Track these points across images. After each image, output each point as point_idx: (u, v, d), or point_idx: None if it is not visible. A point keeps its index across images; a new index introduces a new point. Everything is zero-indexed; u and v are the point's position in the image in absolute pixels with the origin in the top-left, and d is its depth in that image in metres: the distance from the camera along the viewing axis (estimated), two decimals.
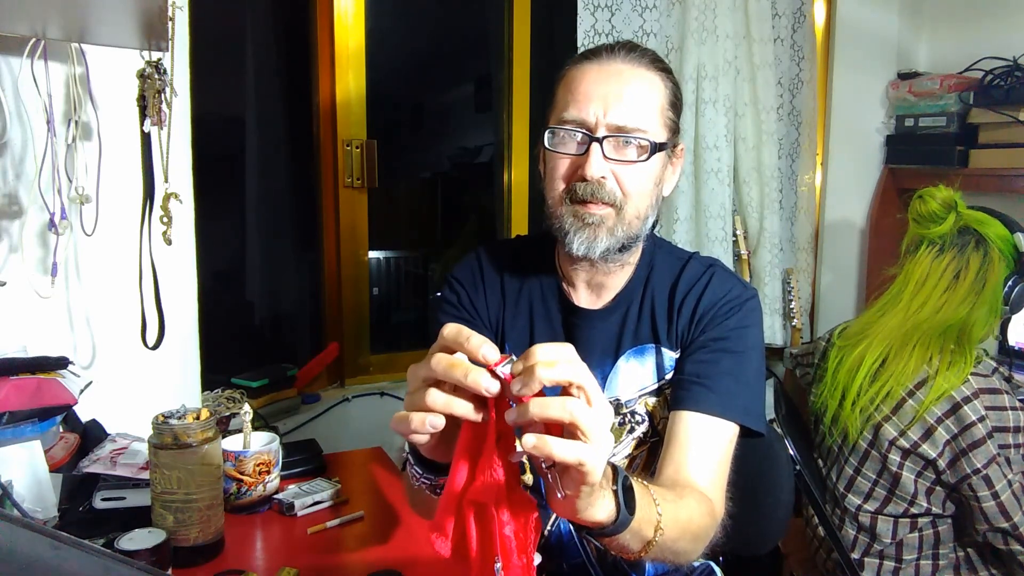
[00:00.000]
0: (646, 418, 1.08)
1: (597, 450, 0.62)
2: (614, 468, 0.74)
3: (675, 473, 0.97)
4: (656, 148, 0.99)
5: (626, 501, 0.73)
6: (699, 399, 1.01)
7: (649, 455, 1.09)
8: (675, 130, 1.05)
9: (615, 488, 0.72)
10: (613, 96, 0.98)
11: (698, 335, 1.06)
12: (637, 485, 0.77)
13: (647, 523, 0.78)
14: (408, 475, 0.83)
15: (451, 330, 0.65)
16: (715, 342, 1.05)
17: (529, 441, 0.61)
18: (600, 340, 1.09)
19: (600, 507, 0.70)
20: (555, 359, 0.62)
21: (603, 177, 0.98)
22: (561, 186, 1.01)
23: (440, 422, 0.64)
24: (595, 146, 0.97)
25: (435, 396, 0.64)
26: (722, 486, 0.99)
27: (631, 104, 0.98)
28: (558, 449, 0.60)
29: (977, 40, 2.26)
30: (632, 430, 1.08)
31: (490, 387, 0.62)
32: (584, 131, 0.98)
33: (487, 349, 0.63)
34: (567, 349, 0.64)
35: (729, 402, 1.01)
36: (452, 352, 0.65)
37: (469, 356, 0.64)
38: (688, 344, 1.07)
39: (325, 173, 2.01)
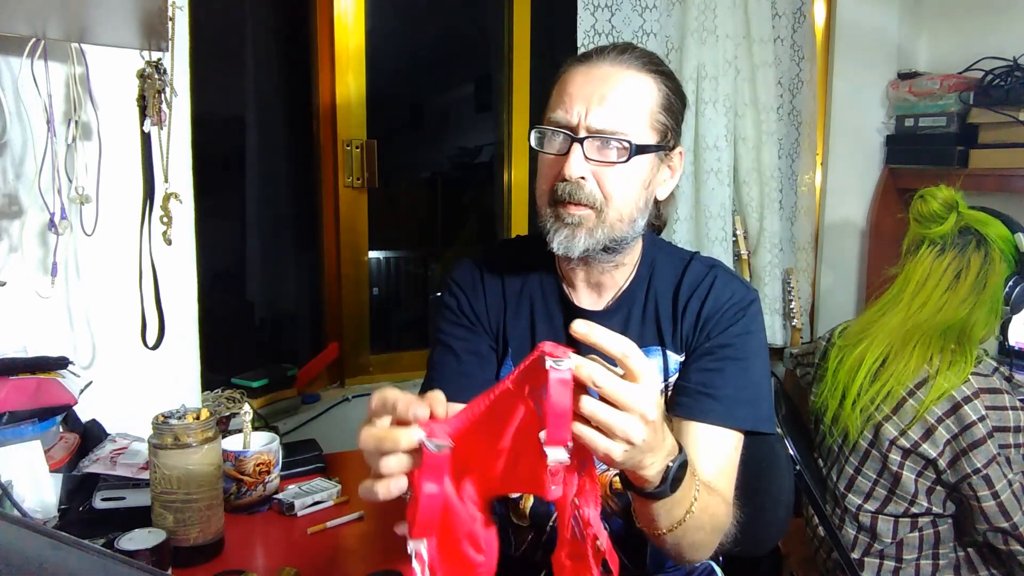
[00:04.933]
0: None
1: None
2: (680, 448, 0.80)
3: None
4: (638, 150, 0.99)
5: (675, 476, 0.78)
6: (705, 410, 1.02)
7: None
8: (668, 133, 1.03)
9: (669, 463, 0.78)
10: (596, 98, 0.98)
11: (703, 341, 1.06)
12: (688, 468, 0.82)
13: (682, 503, 0.83)
14: None
15: (376, 401, 0.69)
16: (720, 349, 1.05)
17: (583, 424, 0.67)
18: None
19: (651, 465, 0.75)
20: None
21: (582, 177, 0.98)
22: (545, 186, 1.02)
23: (402, 484, 0.67)
24: (576, 146, 0.97)
25: (385, 463, 0.67)
26: (730, 492, 1.01)
27: (613, 106, 0.98)
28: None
29: (977, 40, 2.26)
30: None
31: (411, 440, 0.65)
32: (566, 132, 0.99)
33: (415, 409, 0.67)
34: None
35: (734, 411, 1.02)
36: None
37: (400, 419, 0.67)
38: (693, 349, 1.07)
39: (325, 173, 2.01)
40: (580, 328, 0.68)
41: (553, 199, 1.01)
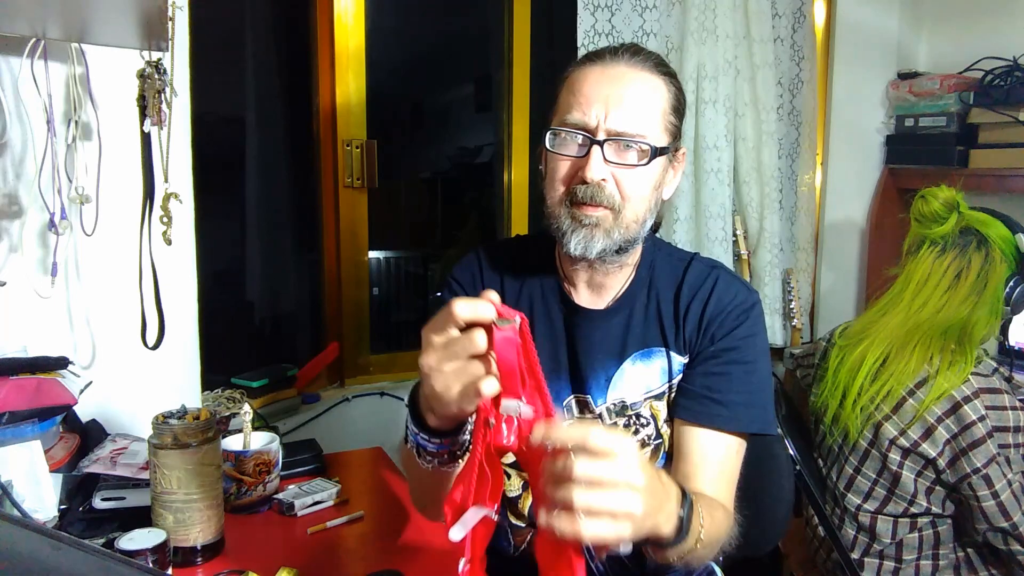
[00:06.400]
0: (651, 420, 1.08)
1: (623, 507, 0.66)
2: (682, 489, 0.80)
3: (685, 485, 0.97)
4: (657, 152, 0.99)
5: (686, 519, 0.79)
6: (712, 414, 1.02)
7: (652, 457, 1.09)
8: (677, 134, 1.04)
9: (681, 513, 0.78)
10: (615, 99, 0.97)
11: (707, 344, 1.06)
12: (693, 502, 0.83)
13: (692, 537, 0.82)
14: (415, 458, 0.85)
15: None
16: (725, 352, 1.05)
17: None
18: (603, 341, 1.09)
19: (665, 522, 0.76)
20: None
21: (603, 180, 0.98)
22: (561, 188, 1.01)
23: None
24: (596, 149, 0.97)
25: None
26: (732, 497, 1.02)
27: (632, 108, 0.98)
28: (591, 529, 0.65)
29: (977, 40, 2.26)
30: (637, 432, 1.08)
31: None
32: (585, 134, 0.98)
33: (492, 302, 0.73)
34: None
35: (740, 416, 1.02)
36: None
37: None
38: (696, 352, 1.07)
39: (325, 173, 2.00)
40: (536, 436, 0.68)
41: (570, 201, 1.00)
